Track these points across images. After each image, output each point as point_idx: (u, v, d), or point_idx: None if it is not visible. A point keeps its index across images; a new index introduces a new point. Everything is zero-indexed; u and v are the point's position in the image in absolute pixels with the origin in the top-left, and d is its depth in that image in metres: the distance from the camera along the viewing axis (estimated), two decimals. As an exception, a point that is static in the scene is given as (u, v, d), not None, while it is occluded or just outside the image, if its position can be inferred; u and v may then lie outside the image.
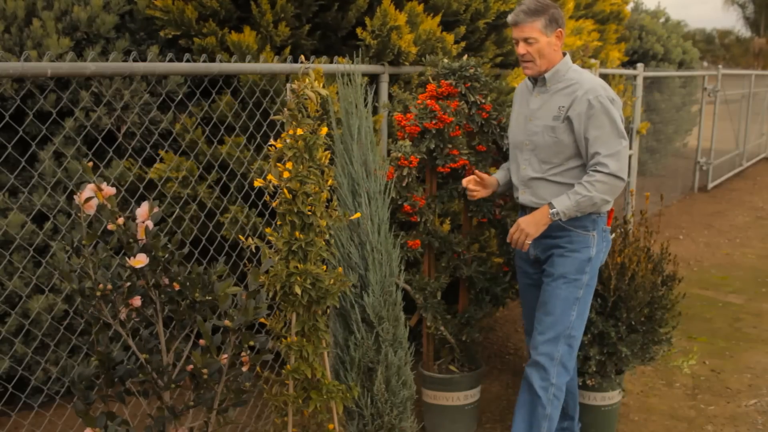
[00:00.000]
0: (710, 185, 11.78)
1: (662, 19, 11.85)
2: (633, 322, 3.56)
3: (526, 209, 3.20)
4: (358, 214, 2.73)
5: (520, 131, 3.20)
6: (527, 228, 3.03)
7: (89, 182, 2.09)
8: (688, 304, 5.59)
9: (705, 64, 12.39)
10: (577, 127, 2.99)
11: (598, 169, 2.95)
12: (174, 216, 3.60)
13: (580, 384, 3.72)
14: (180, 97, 3.73)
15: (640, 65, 7.50)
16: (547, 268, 3.16)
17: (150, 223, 2.14)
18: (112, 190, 2.11)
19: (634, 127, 7.47)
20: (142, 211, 2.15)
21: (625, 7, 7.65)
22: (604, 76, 6.50)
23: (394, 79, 3.99)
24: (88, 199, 2.05)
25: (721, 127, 11.96)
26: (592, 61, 5.73)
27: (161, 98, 3.69)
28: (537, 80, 3.14)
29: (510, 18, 3.05)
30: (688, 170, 11.58)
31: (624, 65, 8.00)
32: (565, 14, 5.62)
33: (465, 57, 3.66)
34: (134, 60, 2.85)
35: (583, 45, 5.58)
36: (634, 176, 7.60)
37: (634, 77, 7.39)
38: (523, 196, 3.20)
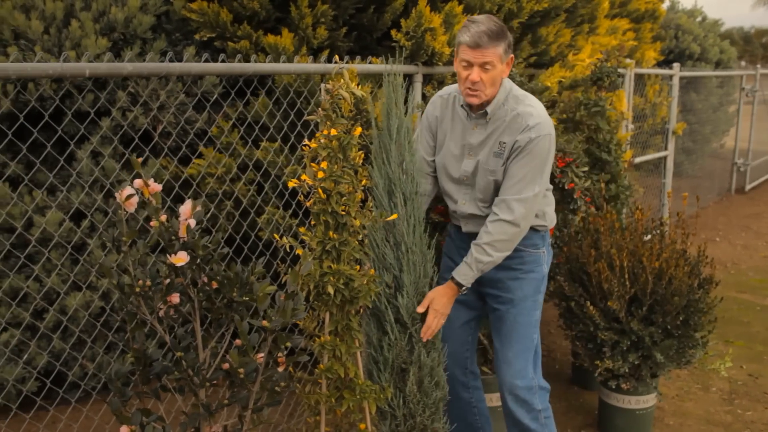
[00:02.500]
0: (748, 187, 11.60)
1: (699, 18, 11.69)
2: (668, 327, 3.51)
3: (470, 236, 2.91)
4: (394, 216, 2.73)
5: (455, 164, 2.89)
6: (444, 309, 2.79)
7: (133, 179, 2.12)
8: (725, 307, 5.51)
9: (743, 63, 12.17)
10: (508, 157, 2.75)
11: (501, 216, 2.73)
12: (209, 214, 3.63)
13: (614, 387, 3.69)
14: (215, 97, 3.77)
15: (676, 65, 7.41)
16: (500, 294, 2.96)
17: (192, 222, 2.16)
18: (159, 187, 2.13)
19: (670, 127, 7.38)
20: (185, 209, 2.17)
21: (660, 6, 7.58)
22: (639, 76, 6.43)
23: (427, 79, 3.98)
24: (128, 197, 2.08)
25: (759, 128, 11.76)
26: (628, 60, 5.67)
27: (197, 98, 3.73)
28: (471, 108, 2.83)
29: (467, 38, 2.63)
30: (725, 171, 11.41)
31: (660, 65, 7.91)
32: (600, 13, 5.58)
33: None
34: (170, 60, 2.88)
35: (618, 45, 5.52)
36: (670, 177, 7.51)
37: (670, 77, 7.31)
38: (466, 227, 2.96)
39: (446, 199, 3.01)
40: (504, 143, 2.76)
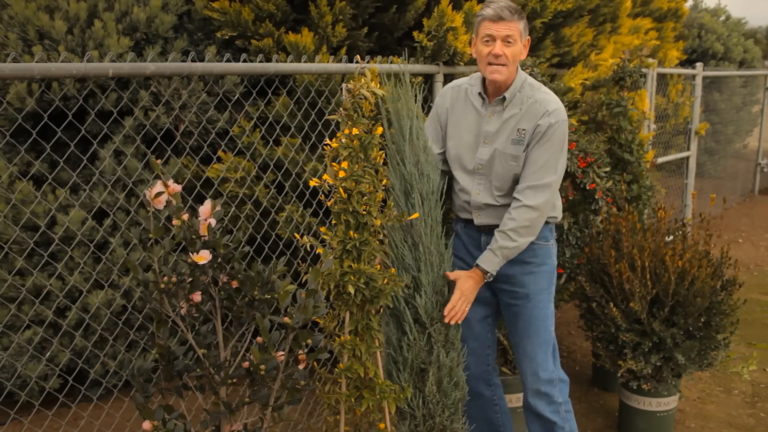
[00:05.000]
0: (771, 188, 11.49)
1: (722, 17, 11.58)
2: (690, 328, 3.48)
3: (481, 229, 2.96)
4: (416, 215, 2.73)
5: (469, 153, 2.90)
6: (470, 294, 2.79)
7: (155, 178, 2.14)
8: (748, 309, 5.45)
9: (767, 63, 12.03)
10: (528, 143, 2.79)
11: (525, 202, 2.76)
12: (230, 215, 3.64)
13: (635, 388, 3.67)
14: (237, 96, 3.78)
15: (699, 64, 7.34)
16: (514, 289, 2.96)
17: (213, 221, 2.18)
18: (178, 188, 2.15)
19: (692, 127, 7.32)
20: (205, 209, 2.18)
21: (683, 5, 7.52)
22: (662, 76, 6.38)
23: (448, 79, 3.97)
24: (158, 194, 2.10)
25: (783, 128, 11.63)
26: (650, 60, 5.63)
27: (218, 98, 3.75)
28: (488, 96, 2.87)
29: (490, 12, 2.70)
30: (749, 172, 11.30)
31: (683, 64, 7.84)
32: (623, 13, 5.54)
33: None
34: (192, 60, 2.89)
35: (641, 44, 5.49)
36: (692, 178, 7.45)
37: (693, 77, 7.24)
38: (479, 219, 2.94)
39: (459, 193, 2.99)
40: (524, 130, 2.79)
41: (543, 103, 2.79)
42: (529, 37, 2.83)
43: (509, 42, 2.72)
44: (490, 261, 2.80)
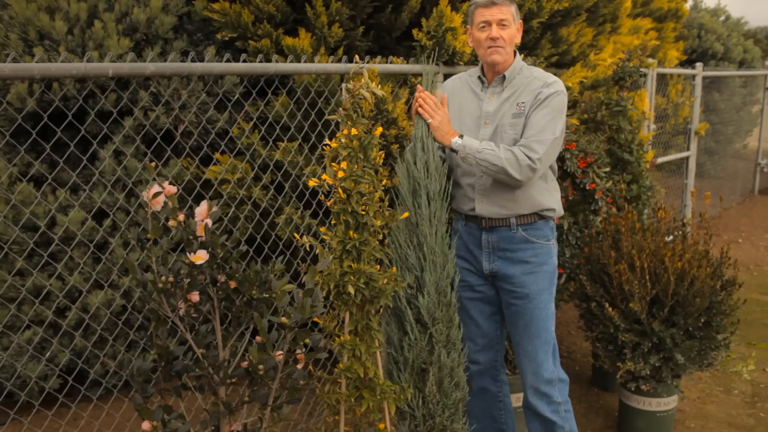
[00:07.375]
0: (771, 188, 11.48)
1: (722, 17, 11.59)
2: (690, 328, 3.48)
3: (481, 221, 2.96)
4: (406, 214, 2.73)
5: (471, 136, 2.90)
6: (440, 125, 2.83)
7: (152, 180, 2.14)
8: (748, 309, 5.45)
9: (767, 63, 12.06)
10: (528, 111, 2.84)
11: (523, 150, 2.77)
12: (229, 215, 3.64)
13: (634, 389, 3.66)
14: (236, 97, 3.78)
15: (699, 64, 7.34)
16: (515, 289, 2.96)
17: (209, 222, 2.18)
18: (174, 189, 2.15)
19: (692, 127, 7.32)
20: (201, 209, 2.19)
21: (683, 5, 7.52)
22: (661, 76, 6.38)
23: (447, 78, 3.97)
24: (156, 194, 2.11)
25: (783, 128, 11.63)
26: (650, 60, 5.63)
27: (218, 98, 3.75)
28: (488, 79, 2.95)
29: (482, 0, 2.83)
30: (748, 172, 11.30)
31: (682, 64, 7.84)
32: (622, 13, 5.54)
33: (521, 57, 3.61)
34: (192, 60, 2.89)
35: (641, 44, 5.49)
36: (692, 178, 7.45)
37: (693, 77, 7.24)
38: (481, 207, 2.93)
39: (462, 178, 2.98)
40: (523, 103, 2.86)
41: (542, 78, 2.89)
42: (521, 21, 2.93)
43: (504, 25, 2.82)
44: (471, 142, 2.80)
